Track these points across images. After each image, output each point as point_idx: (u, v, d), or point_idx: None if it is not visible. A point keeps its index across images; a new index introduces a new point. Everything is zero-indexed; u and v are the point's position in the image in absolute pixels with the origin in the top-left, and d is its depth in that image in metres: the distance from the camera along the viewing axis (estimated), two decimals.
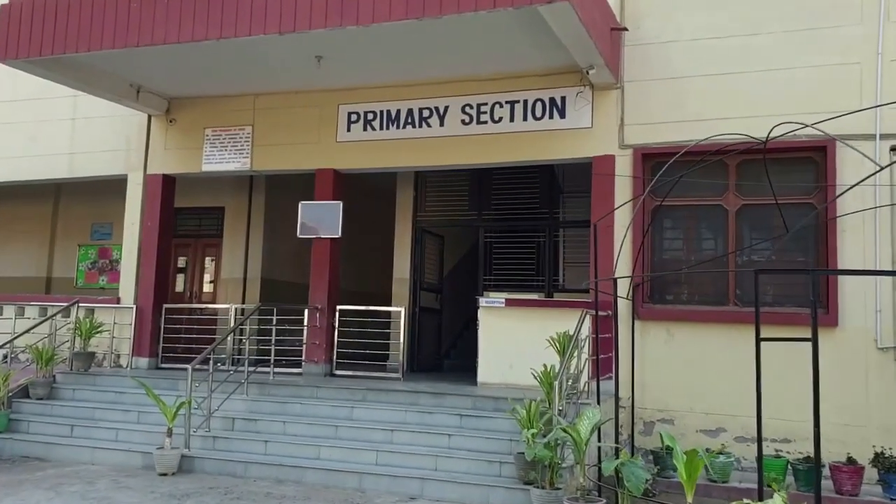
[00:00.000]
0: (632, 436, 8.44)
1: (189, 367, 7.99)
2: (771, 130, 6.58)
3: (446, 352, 13.27)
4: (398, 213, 12.28)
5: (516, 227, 11.93)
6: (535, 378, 7.37)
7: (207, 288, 13.53)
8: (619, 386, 8.62)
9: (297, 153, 10.52)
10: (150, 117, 11.38)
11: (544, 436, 6.70)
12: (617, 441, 8.12)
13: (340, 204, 10.20)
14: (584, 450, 6.07)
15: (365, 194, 14.89)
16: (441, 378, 10.58)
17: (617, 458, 6.12)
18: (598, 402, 7.43)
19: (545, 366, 7.43)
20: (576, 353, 7.71)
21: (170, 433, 7.71)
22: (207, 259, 13.58)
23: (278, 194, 13.08)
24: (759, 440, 5.11)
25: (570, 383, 7.40)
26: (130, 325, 11.03)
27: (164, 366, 10.96)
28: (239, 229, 13.23)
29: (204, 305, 12.69)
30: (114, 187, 11.98)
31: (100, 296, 12.41)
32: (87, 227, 14.67)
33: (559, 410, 6.72)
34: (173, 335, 11.28)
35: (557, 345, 7.77)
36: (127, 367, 10.96)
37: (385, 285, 13.02)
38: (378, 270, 15.56)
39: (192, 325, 11.53)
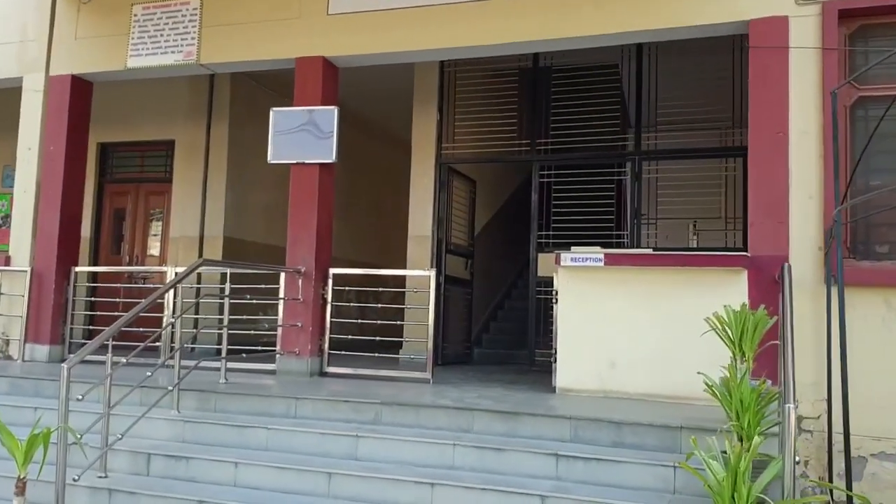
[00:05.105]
0: (829, 481, 5.00)
1: (65, 365, 4.43)
2: None
3: (477, 337, 9.78)
4: (415, 144, 8.75)
5: (587, 161, 8.36)
6: (714, 391, 3.87)
7: (153, 250, 9.99)
8: (799, 395, 5.18)
9: (266, 35, 6.91)
10: None
11: None
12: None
13: (336, 110, 6.60)
14: None
15: (363, 132, 11.41)
16: (480, 376, 7.11)
17: None
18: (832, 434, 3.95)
19: (728, 368, 3.95)
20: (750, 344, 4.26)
21: (22, 488, 4.19)
22: (153, 211, 10.02)
23: (248, 122, 9.52)
24: None
25: (764, 401, 3.88)
26: (24, 297, 7.48)
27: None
28: (194, 172, 9.66)
29: (129, 269, 9.19)
30: None
31: None
32: None
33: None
34: (93, 313, 7.84)
35: (730, 330, 4.28)
36: (19, 357, 7.43)
37: (390, 253, 9.59)
38: (380, 233, 12.15)
39: (121, 298, 8.06)
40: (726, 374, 4.04)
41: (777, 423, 3.88)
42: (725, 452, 3.68)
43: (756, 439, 3.29)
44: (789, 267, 4.38)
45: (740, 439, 3.74)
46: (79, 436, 4.38)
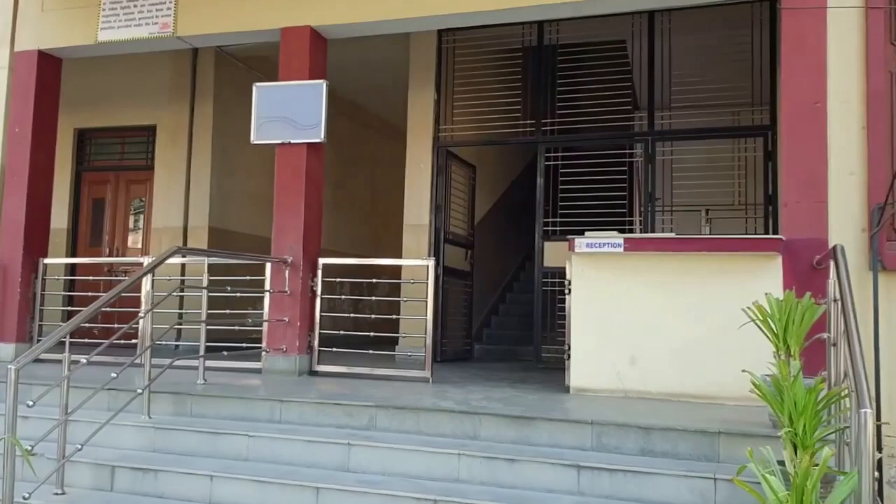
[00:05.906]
0: (879, 489, 4.48)
1: (11, 366, 3.87)
2: None
3: (477, 332, 9.24)
4: (411, 126, 8.22)
5: (596, 143, 7.81)
6: (763, 392, 3.32)
7: (136, 242, 9.43)
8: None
9: (249, 4, 6.34)
10: None
11: None
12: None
13: (324, 84, 6.04)
14: None
15: (355, 118, 10.89)
16: (484, 374, 6.56)
17: None
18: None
19: (779, 365, 3.42)
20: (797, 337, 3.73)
21: None
22: (135, 201, 9.47)
23: (234, 106, 8.95)
24: None
25: (822, 403, 3.34)
26: None
27: (45, 357, 6.81)
28: (177, 158, 9.15)
29: (102, 260, 8.66)
30: None
31: None
32: None
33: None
34: (69, 308, 7.33)
35: (772, 322, 3.73)
36: None
37: (386, 245, 9.06)
38: (374, 224, 11.65)
39: (101, 292, 7.49)
40: (769, 372, 3.52)
41: (837, 429, 3.35)
42: (781, 463, 3.16)
43: (825, 450, 2.75)
44: (842, 248, 3.84)
45: (794, 448, 3.20)
46: (29, 447, 3.83)
